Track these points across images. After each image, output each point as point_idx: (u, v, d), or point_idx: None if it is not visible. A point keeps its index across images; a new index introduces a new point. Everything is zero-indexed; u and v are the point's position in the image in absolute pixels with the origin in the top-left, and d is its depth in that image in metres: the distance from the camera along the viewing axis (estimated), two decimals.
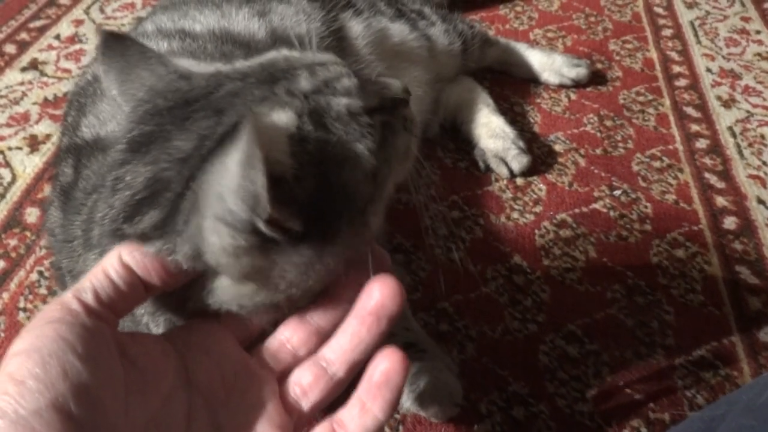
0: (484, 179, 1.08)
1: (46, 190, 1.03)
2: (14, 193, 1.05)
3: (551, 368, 0.80)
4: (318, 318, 0.46)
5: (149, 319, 0.48)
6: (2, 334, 0.84)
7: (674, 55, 1.38)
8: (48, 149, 1.13)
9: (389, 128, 0.47)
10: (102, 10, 1.55)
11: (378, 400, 0.42)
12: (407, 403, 0.72)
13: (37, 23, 1.50)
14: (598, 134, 1.17)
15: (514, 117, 1.20)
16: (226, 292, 0.43)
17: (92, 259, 0.47)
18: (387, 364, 0.42)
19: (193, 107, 0.43)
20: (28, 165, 1.11)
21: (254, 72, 0.45)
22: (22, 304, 0.88)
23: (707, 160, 1.12)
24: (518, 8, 1.54)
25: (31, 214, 1.01)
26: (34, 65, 1.35)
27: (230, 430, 0.42)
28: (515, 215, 1.01)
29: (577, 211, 1.02)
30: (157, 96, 0.45)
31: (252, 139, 0.34)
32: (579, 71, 1.25)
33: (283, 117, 0.41)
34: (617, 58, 1.37)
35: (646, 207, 1.03)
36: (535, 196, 1.05)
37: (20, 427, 0.32)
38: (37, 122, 1.20)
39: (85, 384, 0.35)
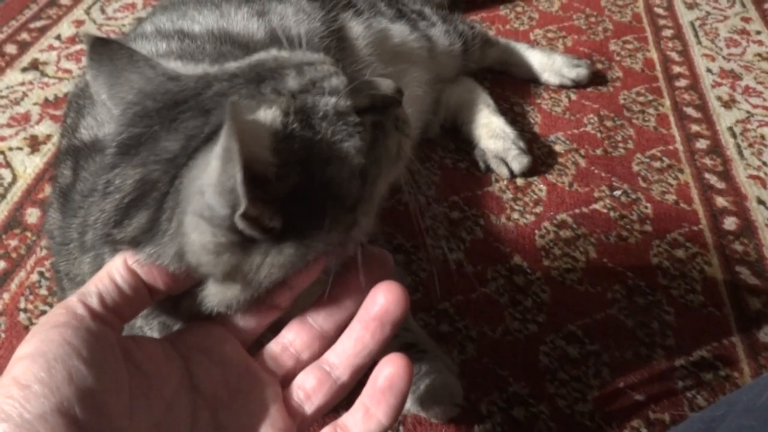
0: (485, 180, 1.08)
1: (47, 190, 1.03)
2: (15, 194, 1.05)
3: (551, 369, 0.80)
4: (321, 321, 0.46)
5: (143, 323, 0.48)
6: (3, 335, 0.84)
7: (674, 56, 1.38)
8: (48, 150, 1.13)
9: (380, 128, 0.47)
10: (103, 11, 1.55)
11: (382, 405, 0.42)
12: (408, 403, 0.72)
13: (38, 23, 1.50)
14: (599, 135, 1.17)
15: (515, 117, 1.20)
16: (214, 297, 0.43)
17: (87, 262, 0.47)
18: (391, 369, 0.42)
19: (180, 108, 0.43)
20: (29, 165, 1.11)
21: (242, 72, 0.45)
22: (22, 305, 0.88)
23: (707, 161, 1.12)
24: (519, 9, 1.54)
25: (32, 215, 1.02)
26: (34, 65, 1.35)
27: None
28: (515, 216, 1.01)
29: (577, 211, 1.02)
30: (146, 98, 0.45)
31: (232, 132, 0.34)
32: (579, 72, 1.25)
33: (267, 114, 0.40)
34: (617, 58, 1.36)
35: (646, 207, 1.03)
36: (535, 196, 1.05)
37: (25, 431, 0.32)
38: (37, 123, 1.20)
39: (90, 388, 0.35)
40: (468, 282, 0.90)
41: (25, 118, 1.21)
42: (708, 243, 0.97)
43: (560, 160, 1.12)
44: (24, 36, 1.45)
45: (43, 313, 0.87)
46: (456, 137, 1.16)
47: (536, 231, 0.99)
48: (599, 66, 1.34)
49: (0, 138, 1.16)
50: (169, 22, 0.86)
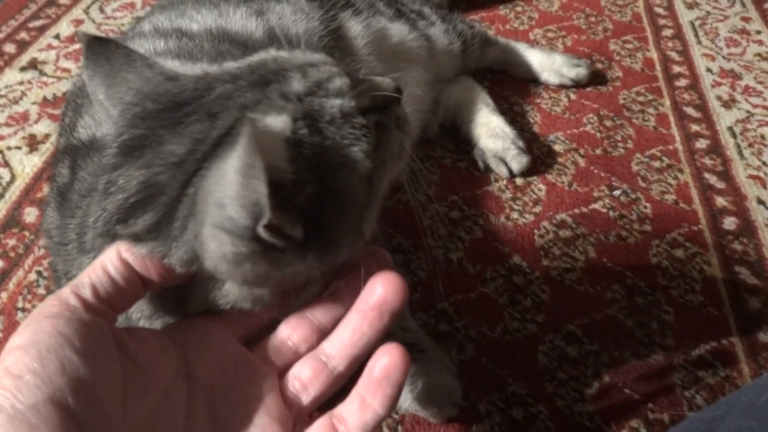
0: (484, 179, 1.08)
1: (45, 189, 1.03)
2: (13, 193, 1.05)
3: (550, 368, 0.80)
4: (319, 316, 0.46)
5: (146, 323, 0.48)
6: (1, 334, 0.84)
7: (674, 55, 1.38)
8: (47, 149, 1.13)
9: (382, 128, 0.47)
10: (102, 10, 1.55)
11: (378, 395, 0.42)
12: (406, 403, 0.72)
13: (37, 23, 1.50)
14: (598, 134, 1.17)
15: (514, 117, 1.20)
16: (235, 293, 0.43)
17: (86, 263, 0.46)
18: (387, 359, 0.42)
19: (184, 110, 0.43)
20: (27, 164, 1.10)
21: (244, 74, 0.45)
22: (20, 304, 0.88)
23: (707, 161, 1.11)
24: (518, 8, 1.54)
25: (30, 214, 1.01)
26: (33, 65, 1.35)
27: (229, 423, 0.42)
28: (515, 215, 1.01)
29: (576, 211, 1.02)
30: (145, 99, 0.44)
31: (251, 146, 0.34)
32: (579, 71, 1.25)
33: (278, 122, 0.40)
34: (617, 58, 1.36)
35: (645, 207, 1.02)
36: (534, 196, 1.05)
37: (17, 422, 0.32)
38: (36, 122, 1.20)
39: (82, 379, 0.35)
40: (467, 281, 0.90)
41: (24, 117, 1.21)
42: (707, 243, 0.96)
43: (560, 159, 1.11)
44: (23, 35, 1.45)
45: None
46: (455, 137, 1.16)
47: (535, 231, 0.99)
48: (599, 66, 1.33)
49: None
50: (168, 21, 0.86)
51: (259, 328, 0.47)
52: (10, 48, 1.41)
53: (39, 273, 0.92)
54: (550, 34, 1.44)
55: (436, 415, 0.73)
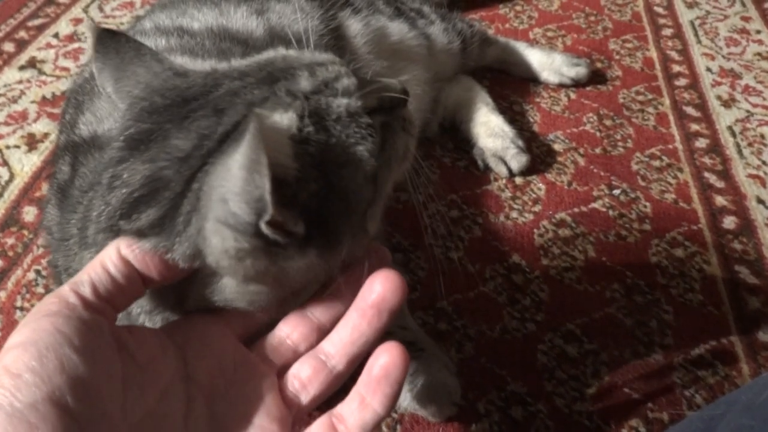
0: (483, 178, 1.08)
1: (44, 188, 1.03)
2: (12, 192, 1.05)
3: (550, 367, 0.80)
4: (319, 314, 0.46)
5: (146, 318, 0.48)
6: (0, 333, 0.84)
7: (674, 55, 1.38)
8: (46, 148, 1.13)
9: (389, 129, 0.47)
10: (101, 9, 1.55)
11: (377, 394, 0.42)
12: (405, 402, 0.72)
13: (36, 22, 1.50)
14: (598, 133, 1.17)
15: (514, 116, 1.20)
16: (233, 290, 0.43)
17: (88, 258, 0.46)
18: (387, 358, 0.42)
19: (191, 106, 0.43)
20: (26, 163, 1.10)
21: (252, 71, 0.45)
22: (19, 303, 0.88)
23: (707, 160, 1.11)
24: (518, 7, 1.54)
25: (29, 213, 1.01)
26: (32, 64, 1.35)
27: (228, 423, 0.42)
28: (514, 214, 1.01)
29: (576, 210, 1.02)
30: (153, 93, 0.44)
31: (256, 141, 0.34)
32: (578, 70, 1.25)
33: (285, 118, 0.40)
34: (617, 57, 1.36)
35: (645, 206, 1.02)
36: (534, 195, 1.05)
37: (16, 420, 0.32)
38: (35, 121, 1.20)
39: (81, 377, 0.35)
40: (466, 281, 0.90)
41: (23, 116, 1.21)
42: (707, 242, 0.96)
43: (559, 158, 1.11)
44: (22, 34, 1.45)
45: None
46: (455, 136, 1.16)
47: (535, 230, 0.99)
48: (599, 65, 1.33)
49: None
50: (169, 19, 0.86)
51: (259, 327, 0.47)
52: (9, 47, 1.40)
53: (38, 272, 0.92)
54: (549, 33, 1.44)
55: (436, 414, 0.73)
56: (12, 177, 1.08)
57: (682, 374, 0.79)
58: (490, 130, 1.10)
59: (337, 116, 0.43)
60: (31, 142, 1.15)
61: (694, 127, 1.19)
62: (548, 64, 1.26)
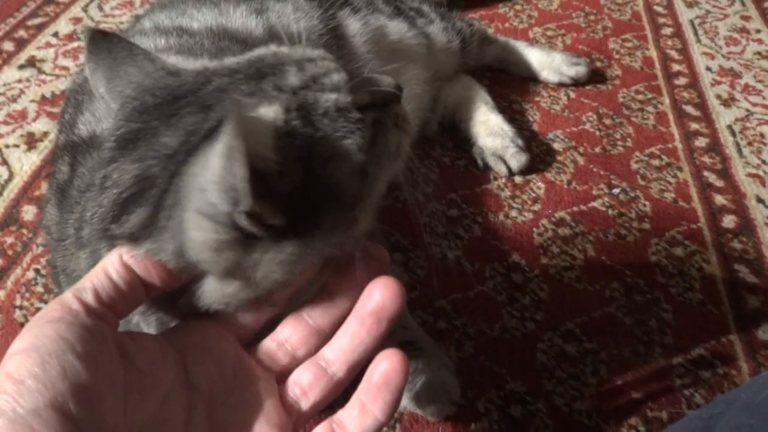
0: (483, 177, 1.08)
1: (43, 187, 1.03)
2: (11, 191, 1.05)
3: (549, 366, 0.80)
4: (316, 317, 0.46)
5: (140, 319, 0.47)
6: None
7: (674, 54, 1.38)
8: (45, 147, 1.13)
9: (380, 125, 0.47)
10: (100, 8, 1.55)
11: (378, 401, 0.42)
12: (404, 401, 0.72)
13: (36, 21, 1.50)
14: (597, 132, 1.17)
15: (513, 115, 1.20)
16: (212, 293, 0.43)
17: (83, 258, 0.46)
18: (387, 365, 0.42)
19: (180, 104, 0.43)
20: (26, 162, 1.10)
21: (242, 68, 0.45)
22: (18, 302, 0.88)
23: (706, 159, 1.11)
24: (518, 6, 1.54)
25: (28, 212, 1.01)
26: (32, 63, 1.35)
27: (229, 429, 0.42)
28: (514, 213, 1.01)
29: (575, 209, 1.02)
30: (145, 93, 0.44)
31: (234, 130, 0.34)
32: (578, 69, 1.25)
33: (269, 111, 0.40)
34: (617, 56, 1.36)
35: (644, 205, 1.02)
36: (533, 194, 1.05)
37: (19, 426, 0.32)
38: (34, 120, 1.19)
39: (84, 384, 0.35)
40: (466, 280, 0.90)
41: (22, 115, 1.21)
42: (707, 241, 0.96)
43: (559, 158, 1.11)
44: (21, 33, 1.45)
45: (39, 310, 0.86)
46: (454, 135, 1.16)
47: (534, 229, 0.99)
48: (598, 64, 1.33)
49: None
50: (168, 19, 0.86)
51: (258, 331, 0.47)
52: (8, 46, 1.40)
53: (37, 271, 0.92)
54: (549, 33, 1.44)
55: (435, 413, 0.73)
56: (11, 176, 1.08)
57: (682, 373, 0.79)
58: (490, 129, 1.10)
59: (324, 111, 0.43)
60: (31, 141, 1.15)
61: (694, 126, 1.19)
62: (548, 63, 1.26)
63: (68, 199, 0.61)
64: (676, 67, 1.34)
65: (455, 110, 1.16)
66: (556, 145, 1.14)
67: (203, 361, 0.43)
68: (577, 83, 1.26)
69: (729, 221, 1.00)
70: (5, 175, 1.08)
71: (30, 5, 1.55)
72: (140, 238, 0.41)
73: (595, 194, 1.04)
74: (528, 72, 1.28)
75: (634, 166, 1.10)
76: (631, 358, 0.81)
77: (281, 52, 0.47)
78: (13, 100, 1.24)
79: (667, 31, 1.46)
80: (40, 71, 1.32)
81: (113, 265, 0.40)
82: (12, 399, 0.33)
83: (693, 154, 1.12)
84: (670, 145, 1.14)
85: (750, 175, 1.08)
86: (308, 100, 0.43)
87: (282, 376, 0.45)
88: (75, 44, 1.41)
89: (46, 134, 1.16)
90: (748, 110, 1.22)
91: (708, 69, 1.33)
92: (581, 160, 1.11)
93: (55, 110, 1.20)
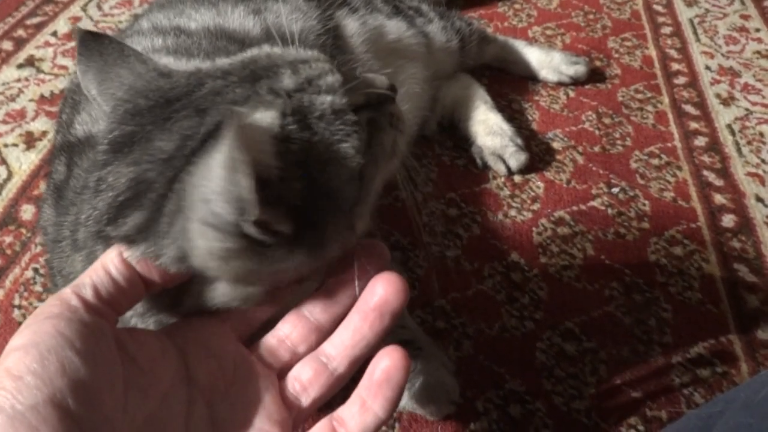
0: (482, 177, 1.08)
1: (42, 187, 1.03)
2: (10, 190, 1.05)
3: (548, 366, 0.80)
4: (317, 314, 0.46)
5: (138, 321, 0.47)
6: None
7: (673, 53, 1.38)
8: (44, 146, 1.13)
9: (375, 126, 0.46)
10: (99, 7, 1.55)
11: (379, 398, 0.42)
12: (404, 400, 0.72)
13: (34, 20, 1.49)
14: (597, 132, 1.16)
15: (512, 114, 1.20)
16: (224, 295, 0.43)
17: (79, 260, 0.46)
18: (388, 362, 0.42)
19: (174, 107, 0.42)
20: (24, 162, 1.10)
21: (235, 70, 0.45)
22: (17, 302, 0.88)
23: (706, 158, 1.11)
24: (517, 6, 1.53)
25: (27, 211, 1.01)
26: (30, 62, 1.35)
27: (229, 426, 0.42)
28: (513, 213, 1.01)
29: (575, 208, 1.02)
30: (137, 95, 0.44)
31: (235, 141, 0.33)
32: (577, 69, 1.25)
33: (266, 117, 0.40)
34: (616, 55, 1.36)
35: (644, 204, 1.02)
36: (532, 193, 1.05)
37: (17, 423, 0.32)
38: (33, 119, 1.19)
39: (83, 380, 0.35)
40: (465, 279, 0.90)
41: (21, 114, 1.20)
42: (706, 240, 0.96)
43: (558, 157, 1.11)
44: (20, 32, 1.45)
45: None
46: (453, 134, 1.16)
47: (533, 228, 0.99)
48: (598, 63, 1.33)
49: None
50: (166, 19, 0.86)
51: (258, 327, 0.47)
52: (7, 45, 1.40)
53: (36, 270, 0.92)
54: (548, 32, 1.44)
55: (434, 412, 0.73)
56: (10, 175, 1.08)
57: (681, 372, 0.79)
58: (489, 129, 1.10)
59: (320, 114, 0.42)
60: (30, 141, 1.14)
61: (693, 125, 1.19)
62: (547, 62, 1.26)
63: (64, 200, 0.61)
64: (675, 66, 1.34)
65: (454, 109, 1.16)
66: (556, 144, 1.14)
67: (203, 358, 0.43)
68: (576, 82, 1.26)
69: (728, 220, 1.00)
70: (4, 175, 1.08)
71: (29, 4, 1.55)
72: (136, 241, 0.41)
73: (595, 193, 1.04)
74: (527, 71, 1.28)
75: (634, 165, 1.10)
76: (630, 357, 0.81)
77: (274, 54, 0.47)
78: (12, 99, 1.24)
79: (667, 30, 1.46)
80: (39, 70, 1.32)
81: (113, 261, 0.40)
82: (11, 395, 0.33)
83: (692, 153, 1.12)
84: (669, 144, 1.14)
85: (749, 174, 1.08)
86: (304, 103, 0.42)
87: (282, 371, 0.45)
88: (74, 43, 1.41)
89: (44, 133, 1.16)
90: (747, 109, 1.22)
91: (707, 68, 1.33)
92: (580, 159, 1.11)
93: (54, 109, 1.19)
